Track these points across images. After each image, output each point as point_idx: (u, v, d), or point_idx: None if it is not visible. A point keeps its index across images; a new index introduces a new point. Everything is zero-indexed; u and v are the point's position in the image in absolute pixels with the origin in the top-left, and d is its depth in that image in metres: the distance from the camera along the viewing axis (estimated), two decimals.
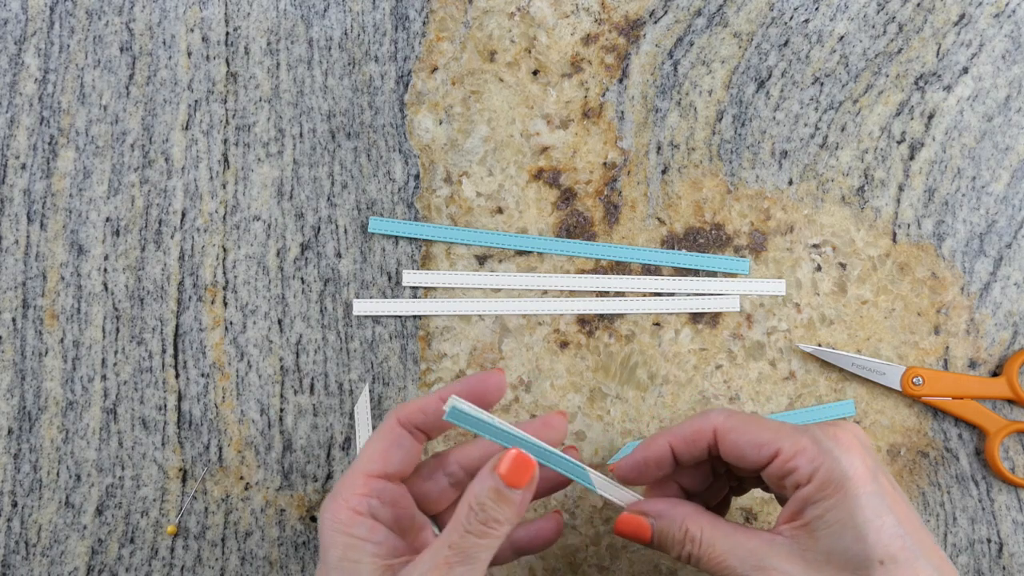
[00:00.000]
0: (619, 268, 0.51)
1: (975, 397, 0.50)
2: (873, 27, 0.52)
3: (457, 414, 0.36)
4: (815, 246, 0.51)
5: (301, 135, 0.52)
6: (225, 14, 0.52)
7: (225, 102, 0.52)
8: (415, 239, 0.51)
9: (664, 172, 0.52)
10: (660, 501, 0.40)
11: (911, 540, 0.35)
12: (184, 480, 0.50)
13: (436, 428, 0.39)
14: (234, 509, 0.50)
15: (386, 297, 0.51)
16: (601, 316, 0.51)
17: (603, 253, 0.51)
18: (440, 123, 0.52)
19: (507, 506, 0.35)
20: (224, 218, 0.51)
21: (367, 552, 0.36)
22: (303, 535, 0.50)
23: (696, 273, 0.51)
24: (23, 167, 0.51)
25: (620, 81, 0.52)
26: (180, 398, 0.50)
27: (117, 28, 0.52)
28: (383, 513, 0.38)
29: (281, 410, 0.50)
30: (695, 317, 0.51)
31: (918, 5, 0.53)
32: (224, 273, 0.51)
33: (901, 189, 0.52)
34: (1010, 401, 0.50)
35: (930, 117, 0.52)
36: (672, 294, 0.51)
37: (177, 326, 0.51)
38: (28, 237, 0.51)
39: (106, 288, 0.51)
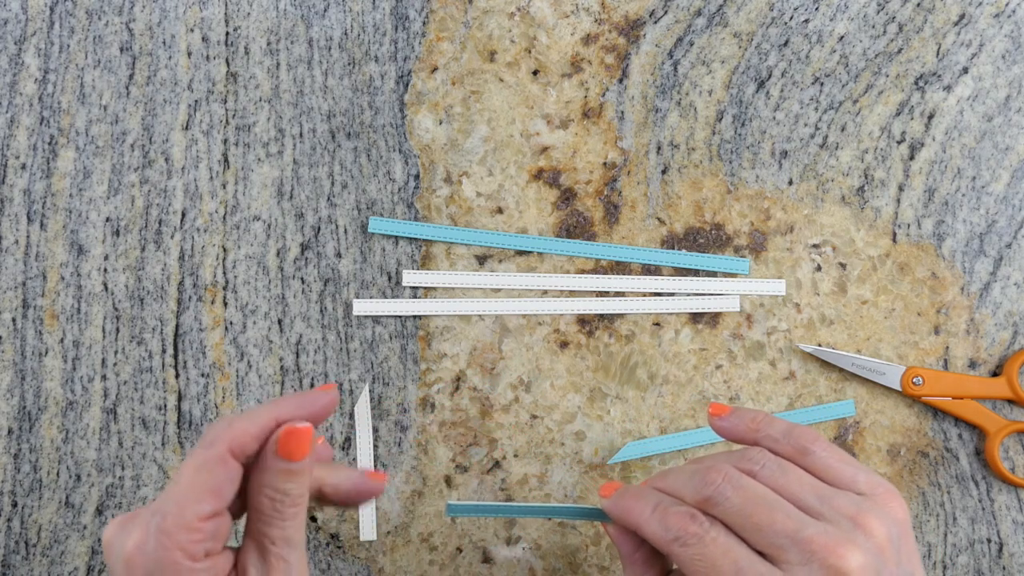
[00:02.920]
0: (619, 268, 0.51)
1: (975, 397, 0.50)
2: (873, 27, 0.52)
3: (455, 508, 0.40)
4: (815, 246, 0.51)
5: (301, 135, 0.52)
6: (225, 14, 0.52)
7: (225, 102, 0.52)
8: (415, 239, 0.51)
9: (664, 172, 0.52)
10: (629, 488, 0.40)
11: None
12: None
13: (267, 455, 0.35)
14: None
15: (386, 297, 0.51)
16: (601, 316, 0.51)
17: (603, 253, 0.51)
18: (440, 123, 0.52)
19: (300, 478, 0.34)
20: (224, 218, 0.51)
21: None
22: None
23: (696, 273, 0.51)
24: (23, 167, 0.51)
25: (620, 81, 0.52)
26: (180, 398, 0.50)
27: (117, 28, 0.52)
28: (214, 545, 0.34)
29: None
30: (695, 317, 0.51)
31: (918, 5, 0.53)
32: (224, 273, 0.51)
33: (901, 189, 0.52)
34: (1010, 401, 0.50)
35: (930, 117, 0.52)
36: (672, 294, 0.51)
37: (177, 326, 0.51)
38: (28, 237, 0.51)
39: (106, 288, 0.51)
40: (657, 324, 0.51)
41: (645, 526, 0.38)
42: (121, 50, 0.52)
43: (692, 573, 0.36)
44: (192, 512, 0.32)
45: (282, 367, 0.51)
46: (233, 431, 0.34)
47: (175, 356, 0.50)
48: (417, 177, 0.52)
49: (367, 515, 0.49)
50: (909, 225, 0.52)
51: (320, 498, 0.37)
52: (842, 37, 0.52)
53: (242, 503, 0.35)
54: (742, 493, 0.36)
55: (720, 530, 0.36)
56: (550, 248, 0.51)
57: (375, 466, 0.37)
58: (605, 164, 0.52)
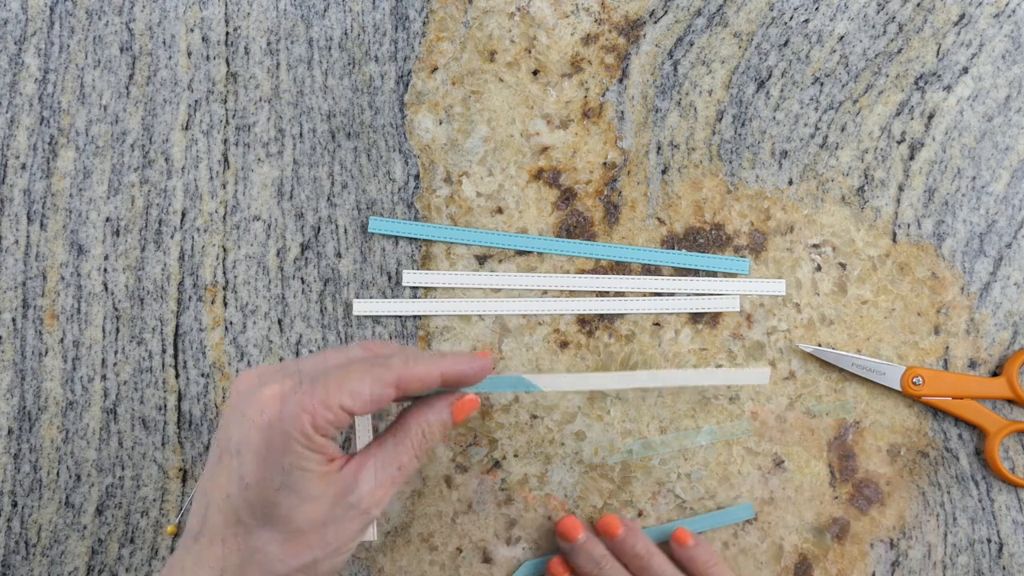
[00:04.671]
0: (619, 268, 0.51)
1: (975, 397, 0.50)
2: (873, 27, 0.52)
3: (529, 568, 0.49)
4: (815, 246, 0.51)
5: (301, 135, 0.52)
6: (225, 14, 0.52)
7: (225, 102, 0.52)
8: (415, 239, 0.51)
9: (664, 172, 0.52)
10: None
11: None
12: (184, 480, 0.50)
13: (441, 404, 0.41)
14: None
15: (386, 297, 0.51)
16: (601, 316, 0.51)
17: (603, 253, 0.51)
18: (440, 123, 0.52)
19: (444, 438, 0.40)
20: (224, 218, 0.51)
21: (316, 462, 0.37)
22: None
23: (696, 273, 0.51)
24: (23, 167, 0.51)
25: (620, 81, 0.52)
26: (180, 398, 0.50)
27: (117, 28, 0.52)
28: (334, 432, 0.38)
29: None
30: (695, 317, 0.51)
31: (918, 5, 0.53)
32: (224, 273, 0.51)
33: (901, 189, 0.52)
34: (1010, 401, 0.50)
35: (930, 117, 0.52)
36: (672, 294, 0.51)
37: (177, 326, 0.51)
38: (28, 237, 0.51)
39: (106, 288, 0.51)
40: (657, 324, 0.51)
41: None
42: (121, 50, 0.52)
43: None
44: (338, 399, 0.36)
45: None
46: (409, 371, 0.38)
47: (175, 356, 0.50)
48: (417, 177, 0.52)
49: None
50: (909, 225, 0.52)
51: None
52: (842, 37, 0.52)
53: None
54: None
55: None
56: (550, 248, 0.51)
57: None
58: (605, 164, 0.52)
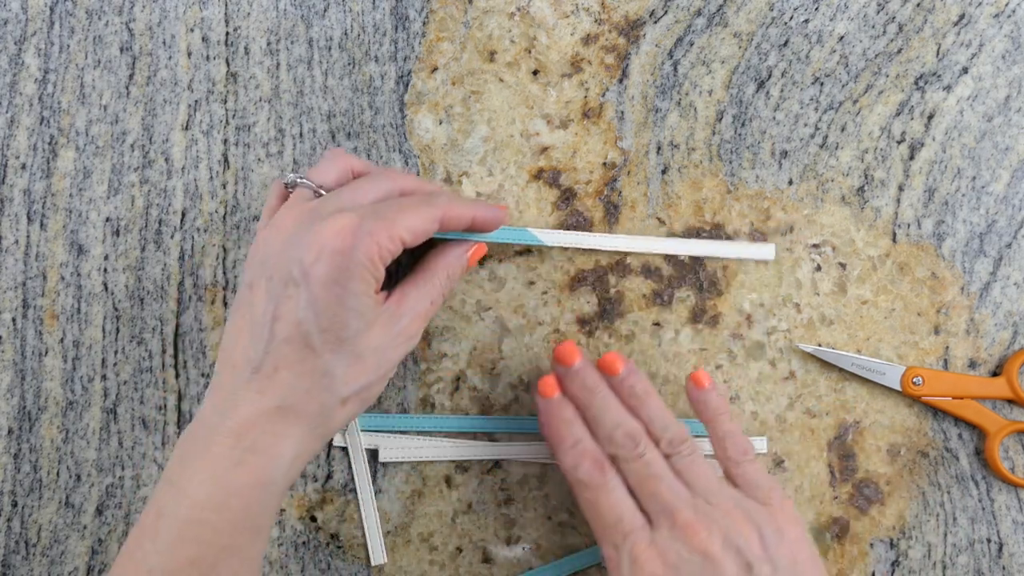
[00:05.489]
0: (620, 269, 0.51)
1: (975, 397, 0.50)
2: (873, 27, 0.52)
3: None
4: (815, 246, 0.51)
5: (301, 135, 0.52)
6: (225, 14, 0.52)
7: (225, 102, 0.52)
8: None
9: (664, 172, 0.52)
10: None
11: None
12: None
13: (462, 252, 0.47)
14: None
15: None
16: (601, 316, 0.51)
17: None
18: (440, 123, 0.52)
19: (461, 279, 0.48)
20: (224, 218, 0.51)
21: (375, 289, 0.41)
22: (303, 535, 0.50)
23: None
24: (23, 167, 0.51)
25: (620, 81, 0.52)
26: (180, 398, 0.50)
27: (117, 28, 0.52)
28: (388, 262, 0.42)
29: None
30: (695, 317, 0.51)
31: (918, 5, 0.53)
32: (224, 273, 0.51)
33: (901, 189, 0.52)
34: (1010, 401, 0.50)
35: (930, 117, 0.52)
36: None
37: (177, 326, 0.51)
38: (28, 237, 0.51)
39: (106, 288, 0.51)
40: (657, 324, 0.51)
41: (560, 455, 0.45)
42: (121, 50, 0.52)
43: (583, 508, 0.44)
44: (399, 232, 0.41)
45: None
46: (452, 210, 0.43)
47: (175, 356, 0.51)
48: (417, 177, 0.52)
49: (374, 536, 0.49)
50: (909, 225, 0.52)
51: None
52: (842, 37, 0.52)
53: None
54: (644, 464, 0.43)
55: (617, 482, 0.43)
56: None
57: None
58: (605, 164, 0.52)
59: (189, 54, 0.52)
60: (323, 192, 0.43)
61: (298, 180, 0.43)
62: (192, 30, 0.52)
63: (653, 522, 0.42)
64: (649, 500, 0.43)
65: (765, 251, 0.51)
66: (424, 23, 0.52)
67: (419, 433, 0.50)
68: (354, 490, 0.50)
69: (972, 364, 0.51)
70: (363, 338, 0.41)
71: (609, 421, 0.44)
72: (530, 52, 0.52)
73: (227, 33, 0.52)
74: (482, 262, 0.51)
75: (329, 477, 0.50)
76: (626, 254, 0.51)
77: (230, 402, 0.40)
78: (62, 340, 0.50)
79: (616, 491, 0.43)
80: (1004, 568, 0.50)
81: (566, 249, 0.51)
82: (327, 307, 0.39)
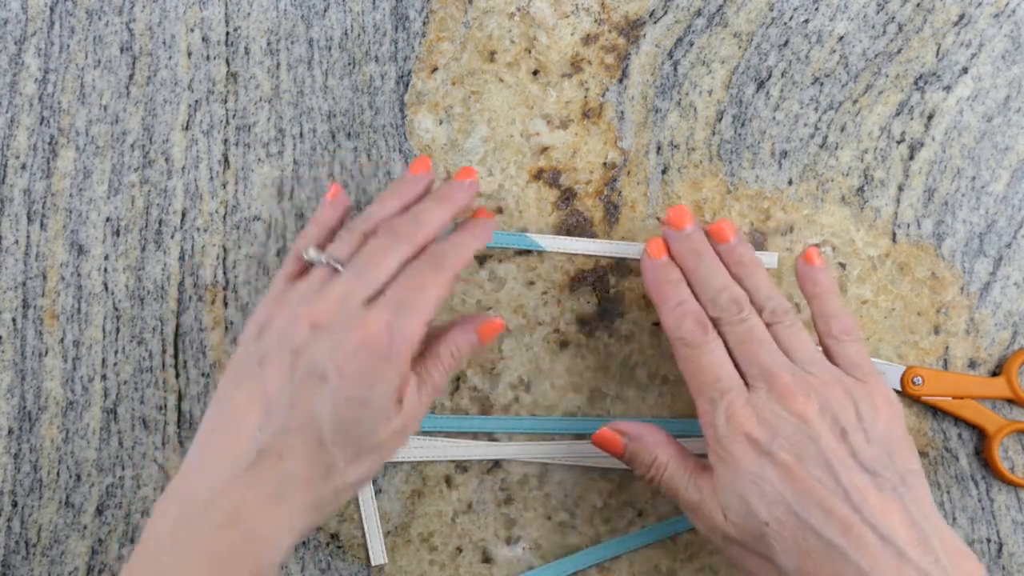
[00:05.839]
0: (620, 269, 0.51)
1: (975, 397, 0.50)
2: (873, 27, 0.52)
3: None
4: (815, 246, 0.51)
5: (301, 135, 0.52)
6: (225, 14, 0.52)
7: (225, 102, 0.52)
8: None
9: (664, 172, 0.52)
10: (640, 426, 0.45)
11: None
12: None
13: (467, 329, 0.45)
14: None
15: None
16: (601, 316, 0.51)
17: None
18: (440, 123, 0.52)
19: (471, 352, 0.45)
20: (224, 218, 0.51)
21: (397, 386, 0.41)
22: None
23: None
24: (23, 167, 0.51)
25: (620, 81, 0.52)
26: (180, 398, 0.50)
27: (117, 28, 0.52)
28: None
29: None
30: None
31: (918, 5, 0.53)
32: (224, 273, 0.51)
33: (901, 189, 0.52)
34: (1010, 401, 0.50)
35: (930, 117, 0.52)
36: None
37: (177, 326, 0.51)
38: (28, 237, 0.51)
39: (106, 288, 0.51)
40: (657, 324, 0.51)
41: (663, 314, 0.45)
42: (121, 50, 0.52)
43: (682, 366, 0.45)
44: (424, 315, 0.41)
45: None
46: (460, 261, 0.43)
47: (175, 356, 0.51)
48: None
49: (374, 536, 0.49)
50: (909, 225, 0.52)
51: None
52: (842, 37, 0.52)
53: None
54: (746, 329, 0.44)
55: (718, 344, 0.44)
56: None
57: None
58: (605, 164, 0.52)
59: (189, 54, 0.52)
60: (341, 268, 0.43)
61: (322, 260, 0.43)
62: (192, 30, 0.52)
63: (751, 385, 0.43)
64: (749, 363, 0.43)
65: (767, 259, 0.51)
66: (424, 23, 0.52)
67: (419, 433, 0.50)
68: None
69: (972, 364, 0.51)
70: (373, 436, 0.40)
71: (714, 285, 0.45)
72: (530, 52, 0.52)
73: (227, 33, 0.52)
74: (481, 262, 0.51)
75: None
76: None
77: (227, 481, 0.39)
78: (62, 340, 0.50)
79: (717, 351, 0.44)
80: (1004, 568, 0.50)
81: None
82: (350, 405, 0.39)
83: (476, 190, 0.46)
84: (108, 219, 0.51)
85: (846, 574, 0.38)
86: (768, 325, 0.44)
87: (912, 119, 0.52)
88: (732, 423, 0.42)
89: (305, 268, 0.44)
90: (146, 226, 0.51)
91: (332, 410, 0.39)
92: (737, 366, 0.44)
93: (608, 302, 0.51)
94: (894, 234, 0.52)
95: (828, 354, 0.45)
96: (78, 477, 0.50)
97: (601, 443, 0.45)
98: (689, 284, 0.46)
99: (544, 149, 0.52)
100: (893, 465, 0.41)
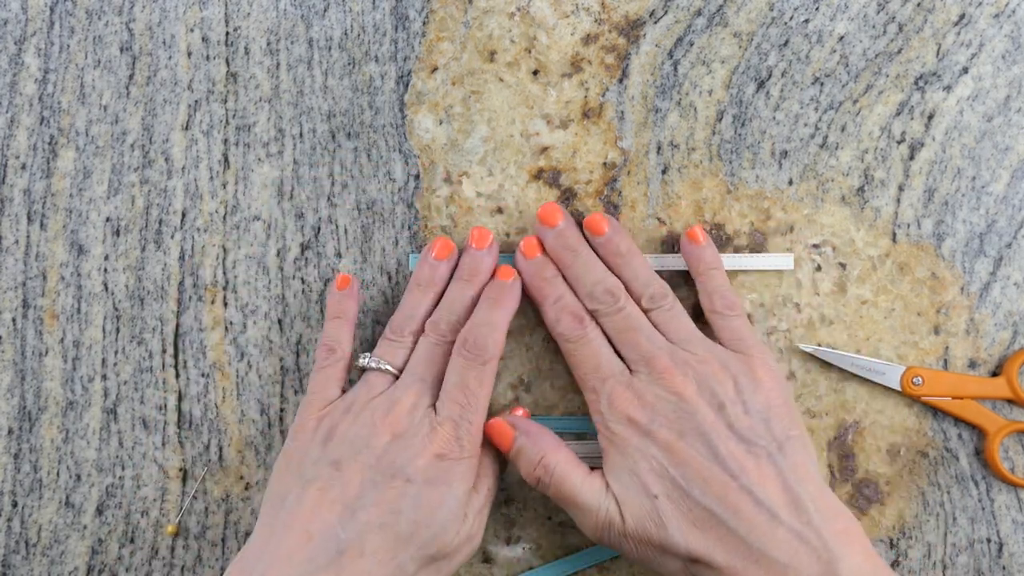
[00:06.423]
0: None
1: (975, 397, 0.50)
2: (873, 27, 0.52)
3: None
4: (815, 246, 0.51)
5: (301, 135, 0.52)
6: (225, 14, 0.52)
7: (225, 102, 0.52)
8: (415, 239, 0.51)
9: (664, 172, 0.52)
10: (534, 424, 0.46)
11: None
12: (184, 480, 0.50)
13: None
14: (234, 509, 0.50)
15: (386, 297, 0.51)
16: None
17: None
18: (440, 123, 0.52)
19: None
20: (224, 218, 0.51)
21: (471, 483, 0.44)
22: None
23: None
24: (23, 167, 0.51)
25: (620, 81, 0.52)
26: (180, 398, 0.50)
27: (117, 28, 0.52)
28: None
29: (281, 410, 0.50)
30: (695, 316, 0.51)
31: (918, 5, 0.53)
32: (224, 273, 0.51)
33: (901, 189, 0.52)
34: (1010, 401, 0.50)
35: (930, 117, 0.52)
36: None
37: (177, 326, 0.51)
38: (28, 237, 0.51)
39: (106, 288, 0.51)
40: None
41: (543, 311, 0.48)
42: (121, 50, 0.52)
43: (567, 360, 0.47)
44: (482, 414, 0.45)
45: (282, 367, 0.51)
46: (498, 350, 0.46)
47: (175, 356, 0.51)
48: (417, 177, 0.52)
49: None
50: (909, 225, 0.52)
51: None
52: (842, 37, 0.52)
53: None
54: (623, 317, 0.46)
55: (597, 334, 0.46)
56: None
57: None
58: (605, 164, 0.52)
59: (189, 54, 0.52)
60: (398, 374, 0.46)
61: (382, 367, 0.46)
62: (192, 30, 0.52)
63: (633, 370, 0.45)
64: (630, 350, 0.45)
65: (782, 261, 0.51)
66: (424, 23, 0.52)
67: None
68: None
69: (972, 364, 0.51)
70: (446, 536, 0.42)
71: (589, 279, 0.47)
72: (530, 52, 0.52)
73: (227, 33, 0.52)
74: None
75: None
76: None
77: None
78: (62, 340, 0.50)
79: (595, 341, 0.46)
80: (1004, 568, 0.50)
81: None
82: (430, 504, 0.42)
83: (497, 251, 0.49)
84: (108, 219, 0.51)
85: (727, 540, 0.40)
86: (648, 311, 0.46)
87: (912, 119, 0.52)
88: (614, 408, 0.44)
89: (345, 367, 0.47)
90: (146, 226, 0.51)
91: (414, 507, 0.41)
92: (620, 354, 0.46)
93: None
94: (894, 234, 0.51)
95: (714, 328, 0.47)
96: (78, 477, 0.50)
97: (490, 433, 0.46)
98: (566, 280, 0.47)
99: (544, 149, 0.52)
100: (771, 433, 0.43)
